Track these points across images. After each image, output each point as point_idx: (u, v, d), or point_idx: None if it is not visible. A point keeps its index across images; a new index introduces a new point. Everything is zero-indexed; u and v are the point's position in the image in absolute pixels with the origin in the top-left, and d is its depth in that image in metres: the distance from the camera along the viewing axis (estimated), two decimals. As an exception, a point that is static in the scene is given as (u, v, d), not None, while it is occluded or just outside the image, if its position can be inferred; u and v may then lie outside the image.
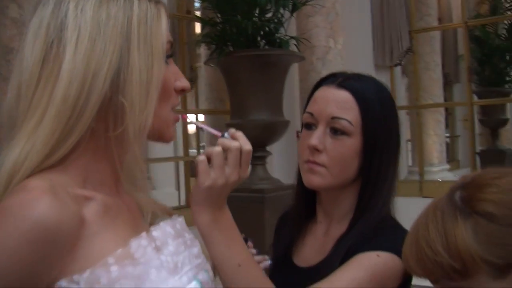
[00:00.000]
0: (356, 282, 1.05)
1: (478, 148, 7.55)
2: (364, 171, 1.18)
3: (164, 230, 0.89)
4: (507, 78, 8.60)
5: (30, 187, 0.74)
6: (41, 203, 0.72)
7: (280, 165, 4.42)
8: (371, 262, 1.08)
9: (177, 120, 0.91)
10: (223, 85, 4.17)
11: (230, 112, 3.88)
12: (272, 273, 1.29)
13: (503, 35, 8.56)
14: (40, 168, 0.78)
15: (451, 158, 8.89)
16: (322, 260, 1.19)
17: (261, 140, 3.42)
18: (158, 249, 0.84)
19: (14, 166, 0.77)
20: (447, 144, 8.39)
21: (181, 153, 5.26)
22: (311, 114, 1.20)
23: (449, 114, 8.78)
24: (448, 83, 8.84)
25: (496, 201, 0.80)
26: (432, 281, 0.84)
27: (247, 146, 0.95)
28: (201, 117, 5.98)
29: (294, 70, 4.54)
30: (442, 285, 0.82)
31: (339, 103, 1.16)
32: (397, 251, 1.06)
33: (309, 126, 1.20)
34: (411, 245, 0.84)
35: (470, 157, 6.79)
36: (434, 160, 7.03)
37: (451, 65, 9.07)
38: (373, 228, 1.14)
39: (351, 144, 1.16)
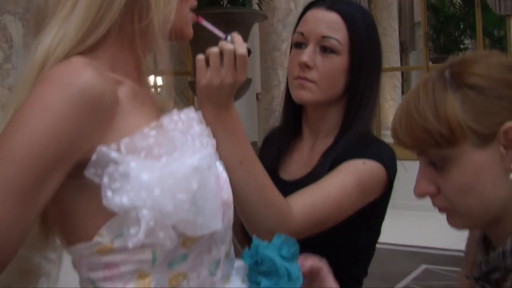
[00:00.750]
0: (343, 188, 1.12)
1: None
2: (350, 88, 1.24)
3: (189, 114, 0.92)
4: (461, 46, 8.79)
5: (72, 61, 0.77)
6: (85, 72, 0.75)
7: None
8: (358, 169, 1.15)
9: (194, 20, 0.95)
10: (184, 46, 4.15)
11: (192, 72, 3.89)
12: None
13: (458, 4, 8.73)
14: (72, 54, 0.80)
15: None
16: (309, 172, 1.25)
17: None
18: (185, 128, 0.88)
19: (47, 51, 0.79)
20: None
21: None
22: (302, 33, 1.25)
23: (405, 81, 8.94)
24: (404, 50, 8.98)
25: (484, 75, 0.83)
26: (418, 153, 0.87)
27: (241, 49, 0.97)
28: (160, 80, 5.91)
29: (255, 32, 4.55)
30: (428, 156, 0.86)
31: (329, 24, 1.22)
32: (382, 160, 1.17)
33: (299, 45, 1.25)
34: (400, 116, 0.87)
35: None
36: (390, 124, 7.16)
37: (407, 33, 9.19)
38: (358, 140, 1.21)
39: (339, 62, 1.22)
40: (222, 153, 1.00)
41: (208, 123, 0.98)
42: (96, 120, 0.76)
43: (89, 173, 0.76)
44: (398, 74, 7.62)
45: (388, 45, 7.17)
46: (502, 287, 0.84)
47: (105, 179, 0.75)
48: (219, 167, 0.91)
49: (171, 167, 0.77)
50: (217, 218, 0.83)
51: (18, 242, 0.72)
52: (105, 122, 0.77)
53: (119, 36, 0.85)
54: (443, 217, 0.89)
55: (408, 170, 1.34)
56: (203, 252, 0.85)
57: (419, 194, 0.87)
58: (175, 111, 0.88)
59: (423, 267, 4.49)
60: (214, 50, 0.98)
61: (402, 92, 8.05)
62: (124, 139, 0.78)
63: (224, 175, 0.91)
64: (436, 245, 4.86)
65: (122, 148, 0.77)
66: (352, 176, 1.15)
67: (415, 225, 5.68)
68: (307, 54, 1.22)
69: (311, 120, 1.31)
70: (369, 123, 1.28)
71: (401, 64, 8.60)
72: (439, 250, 4.79)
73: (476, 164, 0.83)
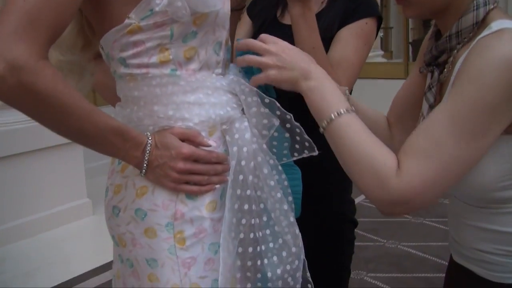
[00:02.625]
0: (358, 52, 1.47)
1: (411, 38, 7.81)
2: None
3: None
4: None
5: None
6: None
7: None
8: (364, 30, 1.48)
9: None
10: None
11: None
12: (257, 32, 1.56)
13: None
14: None
15: (385, 48, 9.13)
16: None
17: None
18: None
19: None
20: (381, 37, 8.61)
21: None
22: None
23: (384, 6, 8.93)
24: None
25: None
26: None
27: None
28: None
29: None
30: None
31: None
32: (375, 13, 1.52)
33: None
34: None
35: (404, 46, 7.04)
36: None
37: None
38: (352, 1, 1.51)
39: None
40: (299, 39, 1.36)
41: (293, 17, 1.34)
42: None
43: None
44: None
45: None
46: (446, 68, 1.03)
47: None
48: None
49: None
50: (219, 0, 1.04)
51: (71, 16, 0.92)
52: None
53: None
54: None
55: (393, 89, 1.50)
56: (209, 32, 1.05)
57: None
58: None
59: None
60: None
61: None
62: None
63: None
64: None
65: None
66: (360, 38, 1.50)
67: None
68: None
69: None
70: None
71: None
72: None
73: None
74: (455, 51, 1.02)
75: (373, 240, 3.68)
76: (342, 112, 1.00)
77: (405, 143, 0.97)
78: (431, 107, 1.06)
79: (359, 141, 0.98)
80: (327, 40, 1.47)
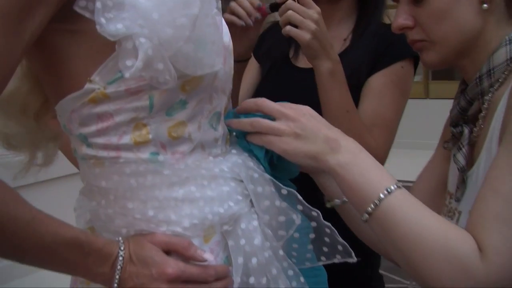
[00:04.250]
0: (395, 105, 1.23)
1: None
2: None
3: None
4: None
5: None
6: None
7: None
8: (400, 76, 1.23)
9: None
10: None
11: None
12: (266, 76, 1.36)
13: None
14: None
15: None
16: None
17: None
18: None
19: None
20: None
21: None
22: None
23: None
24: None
25: None
26: None
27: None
28: None
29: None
30: None
31: None
32: (412, 53, 1.21)
33: None
34: None
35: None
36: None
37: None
38: (382, 39, 1.24)
39: None
40: (329, 101, 1.12)
41: (321, 74, 1.11)
42: None
43: (79, 6, 0.70)
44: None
45: None
46: (480, 119, 0.90)
47: (98, 5, 0.69)
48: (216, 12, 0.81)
49: None
50: (218, 57, 0.77)
51: (7, 73, 0.67)
52: None
53: None
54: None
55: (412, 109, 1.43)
56: (204, 100, 0.79)
57: (397, 27, 0.94)
58: None
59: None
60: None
61: None
62: None
63: (223, 21, 0.85)
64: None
65: None
66: (396, 87, 1.24)
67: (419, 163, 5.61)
68: None
69: (323, 9, 1.18)
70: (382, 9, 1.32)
71: None
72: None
73: None
74: (489, 95, 0.88)
75: (395, 281, 3.40)
76: (393, 188, 0.80)
77: (472, 216, 0.80)
78: (462, 170, 0.91)
79: (422, 221, 0.78)
80: (353, 89, 1.19)
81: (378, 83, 1.23)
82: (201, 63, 0.74)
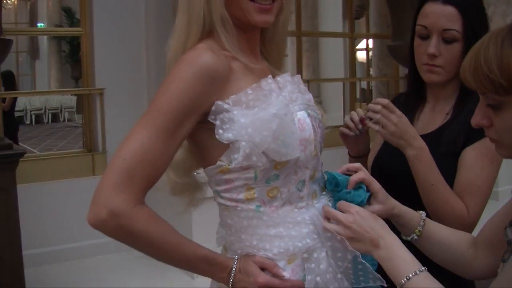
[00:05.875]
0: (485, 172, 1.45)
1: None
2: None
3: (285, 77, 1.26)
4: None
5: (196, 47, 1.15)
6: (205, 54, 1.12)
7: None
8: (489, 148, 1.36)
9: (259, 9, 1.19)
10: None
11: (391, 34, 3.95)
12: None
13: None
14: (196, 43, 1.18)
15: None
16: (436, 128, 1.56)
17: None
18: (280, 88, 1.22)
19: (176, 47, 1.21)
20: None
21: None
22: (425, 27, 1.52)
23: None
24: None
25: None
26: (479, 92, 1.00)
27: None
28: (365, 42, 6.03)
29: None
30: (487, 98, 0.99)
31: (448, 17, 1.48)
32: None
33: (423, 36, 1.53)
34: (470, 60, 0.99)
35: None
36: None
37: None
38: None
39: (459, 47, 1.49)
40: (417, 178, 1.44)
41: (408, 158, 1.43)
42: (214, 85, 1.12)
43: (211, 118, 1.14)
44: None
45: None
46: None
47: (217, 122, 1.13)
48: (302, 115, 1.22)
49: (259, 114, 1.12)
50: (296, 149, 1.15)
51: (165, 167, 1.12)
52: (220, 86, 1.14)
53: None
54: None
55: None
56: (291, 173, 1.18)
57: (475, 124, 1.04)
58: (270, 77, 1.20)
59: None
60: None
61: None
62: (232, 96, 1.14)
63: (307, 121, 1.22)
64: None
65: (230, 102, 1.14)
66: (488, 159, 1.44)
67: None
68: (433, 46, 1.50)
69: (434, 88, 1.60)
70: None
71: None
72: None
73: None
74: None
75: None
76: (411, 275, 1.07)
77: None
78: (509, 243, 1.03)
79: None
80: (451, 155, 1.47)
81: (470, 156, 1.46)
82: (284, 154, 1.13)
